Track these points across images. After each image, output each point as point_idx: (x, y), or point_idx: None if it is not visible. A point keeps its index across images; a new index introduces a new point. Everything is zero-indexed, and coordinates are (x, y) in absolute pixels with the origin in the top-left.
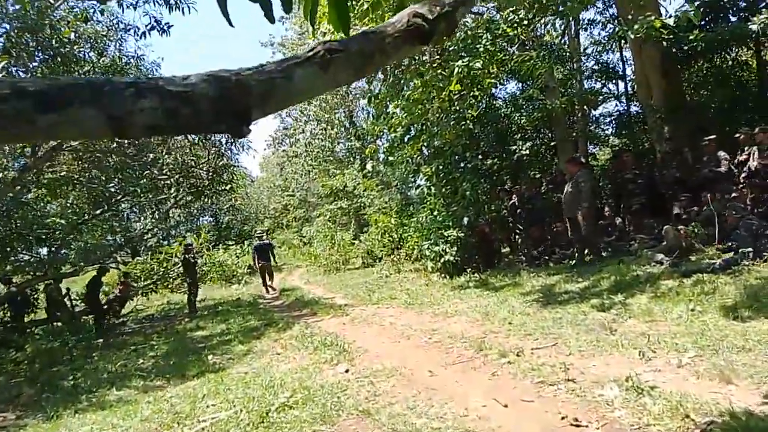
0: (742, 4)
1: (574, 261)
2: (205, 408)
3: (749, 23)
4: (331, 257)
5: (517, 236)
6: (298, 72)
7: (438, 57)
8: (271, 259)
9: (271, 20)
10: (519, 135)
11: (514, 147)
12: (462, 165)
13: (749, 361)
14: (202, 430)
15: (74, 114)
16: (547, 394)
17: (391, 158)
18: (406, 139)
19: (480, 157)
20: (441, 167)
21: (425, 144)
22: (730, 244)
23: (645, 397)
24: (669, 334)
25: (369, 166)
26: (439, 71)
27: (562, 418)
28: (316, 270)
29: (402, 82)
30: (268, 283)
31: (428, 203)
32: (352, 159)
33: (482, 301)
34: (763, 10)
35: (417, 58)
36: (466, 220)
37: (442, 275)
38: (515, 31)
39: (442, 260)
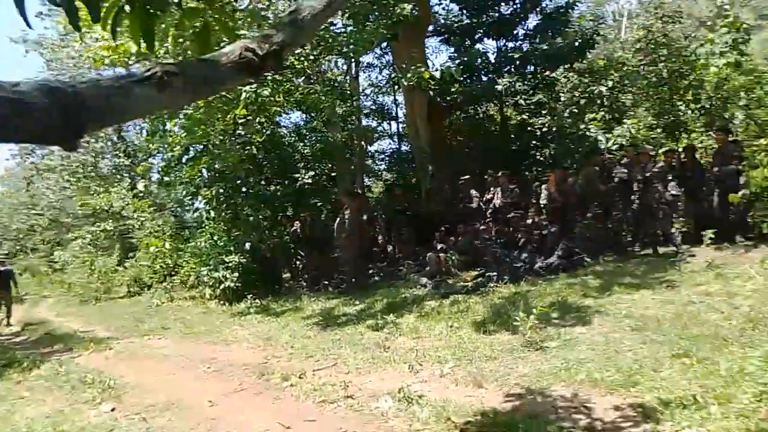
0: (491, 67)
1: (344, 285)
2: None
3: (496, 84)
4: (89, 285)
5: (298, 262)
6: (136, 90)
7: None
8: (12, 288)
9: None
10: (302, 164)
11: (298, 175)
12: (244, 190)
13: (495, 368)
14: None
15: None
16: (328, 413)
17: (167, 178)
18: (184, 160)
19: (263, 183)
20: (222, 191)
21: (206, 166)
22: (479, 269)
23: (414, 406)
24: (432, 348)
25: (141, 186)
26: (224, 93)
27: None
28: (71, 300)
29: None
30: (2, 320)
31: (207, 227)
32: (119, 177)
33: (263, 327)
34: (506, 74)
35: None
36: (248, 245)
37: (221, 302)
38: (302, 65)
39: (221, 287)
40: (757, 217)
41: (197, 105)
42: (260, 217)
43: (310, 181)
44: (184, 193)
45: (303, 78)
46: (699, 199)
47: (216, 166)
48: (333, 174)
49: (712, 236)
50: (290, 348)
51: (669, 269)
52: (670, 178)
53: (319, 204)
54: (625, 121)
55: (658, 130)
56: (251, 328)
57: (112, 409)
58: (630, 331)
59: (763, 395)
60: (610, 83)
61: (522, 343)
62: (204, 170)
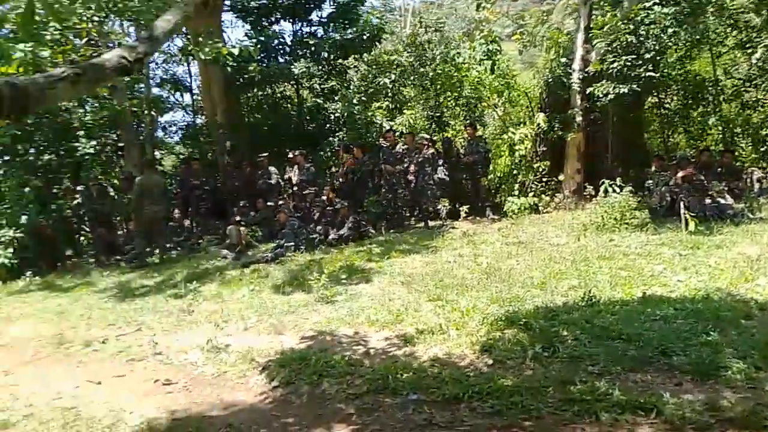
0: (288, 49)
1: (137, 260)
2: None
3: (292, 66)
4: None
5: (81, 237)
6: (59, 85)
7: None
8: None
9: None
10: (83, 132)
11: (77, 144)
12: (8, 158)
13: (292, 319)
14: None
15: None
16: (138, 368)
17: None
18: None
19: (33, 151)
20: None
21: None
22: (278, 240)
23: (222, 354)
24: (236, 309)
25: None
26: None
27: (155, 382)
28: None
29: None
30: None
31: None
32: None
33: (52, 302)
34: (302, 59)
35: None
36: (24, 219)
37: None
38: (86, 26)
39: None
40: (502, 197)
41: None
42: (27, 189)
43: (92, 151)
44: None
45: (85, 40)
46: (457, 181)
47: None
48: (120, 144)
49: (467, 211)
50: (87, 319)
51: (435, 238)
52: (440, 163)
53: (101, 176)
54: (405, 111)
55: (429, 123)
56: (37, 305)
57: None
58: (401, 285)
59: (485, 320)
60: (393, 76)
61: (315, 299)
62: None
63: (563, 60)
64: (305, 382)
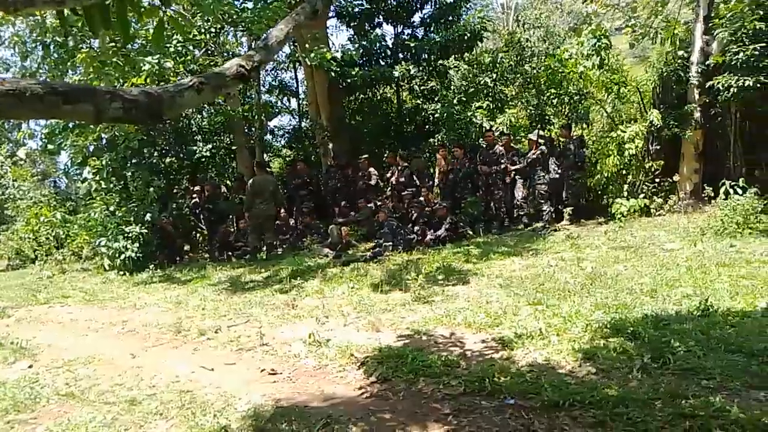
0: (389, 52)
1: (248, 256)
2: None
3: (393, 69)
4: None
5: (197, 234)
6: (186, 93)
7: (114, 46)
8: None
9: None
10: (200, 136)
11: (195, 148)
12: (136, 161)
13: (390, 317)
14: None
15: (80, 106)
16: (246, 357)
17: (51, 146)
18: (71, 126)
19: (156, 154)
20: (110, 161)
21: (96, 135)
22: (377, 240)
23: (323, 348)
24: (337, 305)
25: (22, 153)
26: (114, 59)
27: (261, 371)
28: None
29: (68, 63)
30: None
31: (98, 198)
32: None
33: (171, 293)
34: (402, 61)
35: (88, 40)
36: (149, 216)
37: (121, 273)
38: (204, 38)
39: (122, 257)
40: (609, 199)
41: (85, 69)
42: (151, 189)
43: (207, 153)
44: (72, 162)
45: (203, 51)
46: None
47: (105, 136)
48: (232, 147)
49: (570, 213)
50: (202, 310)
51: (536, 240)
52: (555, 161)
53: (216, 178)
54: (506, 110)
55: (530, 122)
56: (158, 295)
57: (30, 366)
58: (499, 288)
59: (588, 327)
60: (493, 76)
61: (412, 299)
62: (92, 139)
63: (680, 53)
64: (402, 379)
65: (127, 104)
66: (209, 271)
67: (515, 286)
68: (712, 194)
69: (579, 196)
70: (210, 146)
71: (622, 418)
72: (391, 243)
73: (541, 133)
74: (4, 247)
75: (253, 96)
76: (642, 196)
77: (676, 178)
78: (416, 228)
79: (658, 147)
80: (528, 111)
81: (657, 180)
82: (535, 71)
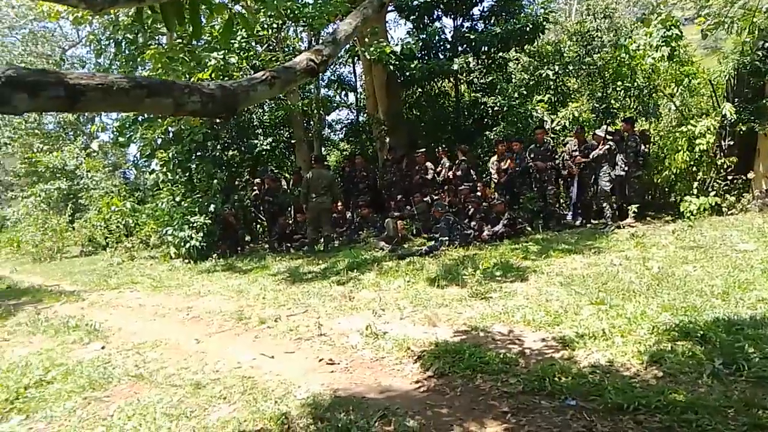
0: (447, 45)
1: (305, 248)
2: None
3: (452, 63)
4: (42, 244)
5: (257, 225)
6: (259, 87)
7: (181, 42)
8: None
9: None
10: (260, 130)
11: (256, 141)
12: (200, 153)
13: (446, 312)
14: None
15: (160, 100)
16: (305, 346)
17: (121, 139)
18: (140, 120)
19: (219, 147)
20: (176, 154)
21: (163, 128)
22: (433, 234)
23: (380, 340)
24: (392, 299)
25: (96, 145)
26: (181, 56)
27: (320, 360)
28: (22, 258)
29: (138, 59)
30: None
31: (165, 189)
32: (63, 134)
33: (233, 282)
34: (461, 54)
35: (156, 38)
36: (213, 207)
37: (186, 261)
38: (267, 33)
39: (187, 246)
40: (678, 196)
41: (154, 65)
42: (214, 181)
43: (267, 147)
44: (141, 153)
45: (266, 46)
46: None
47: (171, 129)
48: (292, 141)
49: (636, 210)
50: (262, 299)
51: (598, 238)
52: (623, 158)
53: (275, 170)
54: (569, 103)
55: (595, 115)
56: (221, 283)
57: (102, 347)
58: (560, 286)
59: (654, 329)
60: (556, 68)
61: (469, 294)
62: (160, 132)
63: (759, 43)
64: (459, 375)
65: (205, 98)
66: (269, 262)
67: (576, 284)
68: None
69: (643, 193)
70: (270, 140)
71: (691, 425)
72: (447, 238)
73: (609, 129)
74: (78, 234)
75: (313, 90)
76: (713, 193)
77: (750, 175)
78: (473, 223)
79: (732, 143)
80: (591, 104)
81: (730, 177)
82: (600, 63)
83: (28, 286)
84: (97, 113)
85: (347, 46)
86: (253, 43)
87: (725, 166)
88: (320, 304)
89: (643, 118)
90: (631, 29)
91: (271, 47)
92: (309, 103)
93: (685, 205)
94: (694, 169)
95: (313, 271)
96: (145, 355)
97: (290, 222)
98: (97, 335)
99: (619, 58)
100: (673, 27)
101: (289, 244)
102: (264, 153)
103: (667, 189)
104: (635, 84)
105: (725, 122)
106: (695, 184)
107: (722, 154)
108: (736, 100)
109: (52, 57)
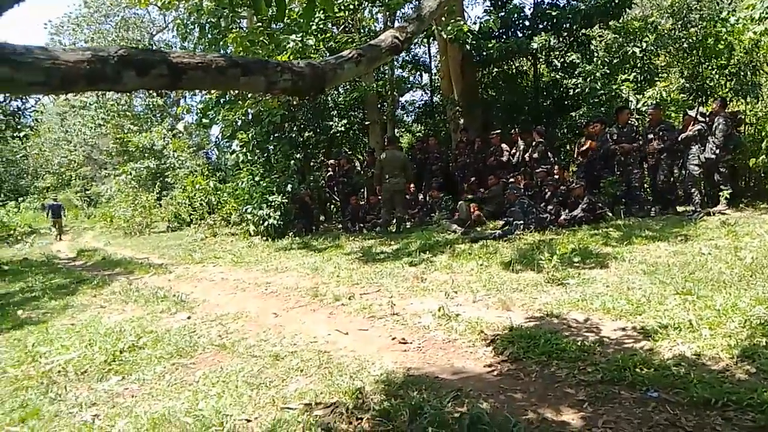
0: (527, 23)
1: (378, 228)
2: (42, 353)
3: (531, 41)
4: (133, 219)
5: (331, 205)
6: (346, 65)
7: (261, 25)
8: (63, 218)
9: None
10: (335, 112)
11: (331, 123)
12: (278, 135)
13: (521, 297)
14: (55, 367)
15: (254, 78)
16: (378, 325)
17: (205, 120)
18: (222, 102)
19: (296, 129)
20: (255, 135)
21: (244, 110)
22: (507, 218)
23: (452, 322)
24: (465, 281)
25: (181, 126)
26: (261, 38)
27: (392, 339)
28: (114, 233)
29: (221, 43)
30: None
31: (245, 169)
32: (151, 116)
33: (309, 260)
34: (542, 33)
35: (237, 20)
36: (290, 187)
37: (264, 238)
38: (343, 14)
39: (265, 224)
40: None
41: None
42: (291, 161)
43: (342, 129)
44: (223, 135)
45: (342, 27)
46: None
47: (251, 111)
48: (365, 122)
49: (728, 196)
50: (336, 277)
51: (685, 226)
52: (715, 140)
53: (349, 152)
54: (657, 83)
55: (685, 95)
56: (297, 261)
57: (188, 317)
58: (642, 274)
59: (747, 323)
60: (644, 44)
61: (545, 280)
62: (241, 114)
63: None
64: (534, 360)
65: (296, 76)
66: (343, 241)
67: (661, 273)
68: None
69: (736, 178)
70: (344, 121)
71: None
72: (522, 222)
73: (702, 110)
74: (165, 210)
75: (387, 71)
76: None
77: None
78: (550, 207)
79: None
80: (680, 84)
81: None
82: (693, 39)
83: (120, 258)
84: (189, 92)
85: (431, 22)
86: (330, 25)
87: None
88: (393, 284)
89: (741, 99)
90: (729, 1)
91: (347, 29)
92: (383, 84)
93: None
94: None
95: (386, 251)
96: (227, 326)
97: (362, 203)
98: (183, 306)
99: (715, 32)
100: None
101: (361, 225)
102: (338, 134)
103: (763, 174)
104: (732, 61)
105: None
106: None
107: None
108: None
109: (141, 42)
